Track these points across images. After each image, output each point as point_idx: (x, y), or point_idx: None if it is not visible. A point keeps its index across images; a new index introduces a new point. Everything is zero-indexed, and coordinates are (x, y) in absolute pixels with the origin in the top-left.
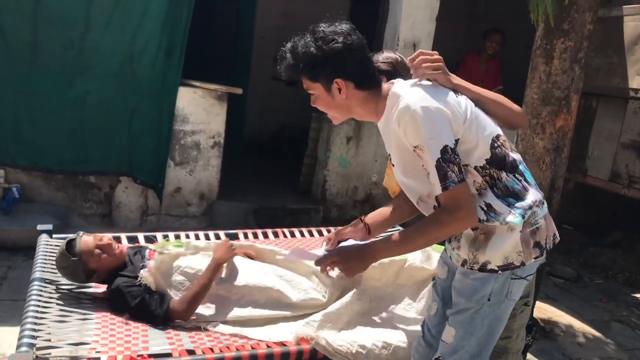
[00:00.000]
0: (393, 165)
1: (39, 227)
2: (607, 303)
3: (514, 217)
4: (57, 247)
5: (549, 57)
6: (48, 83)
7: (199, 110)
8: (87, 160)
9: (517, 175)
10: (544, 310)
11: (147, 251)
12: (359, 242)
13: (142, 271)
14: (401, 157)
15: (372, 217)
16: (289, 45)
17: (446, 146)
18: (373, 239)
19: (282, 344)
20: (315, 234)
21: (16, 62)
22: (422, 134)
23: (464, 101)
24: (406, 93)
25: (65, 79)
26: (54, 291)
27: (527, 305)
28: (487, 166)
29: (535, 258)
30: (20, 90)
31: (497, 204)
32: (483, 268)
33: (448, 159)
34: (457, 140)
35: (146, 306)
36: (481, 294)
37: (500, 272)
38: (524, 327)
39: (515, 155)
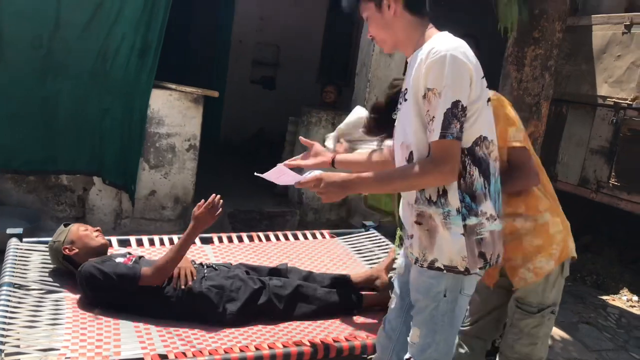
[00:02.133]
0: (400, 104)
1: (9, 230)
2: (574, 305)
3: (455, 214)
4: (27, 251)
5: (520, 64)
6: (16, 82)
7: (175, 113)
8: (56, 159)
9: (485, 182)
10: None
11: (127, 257)
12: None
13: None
14: (407, 110)
15: (342, 156)
16: None
17: (459, 101)
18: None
19: (255, 347)
20: (291, 237)
21: None
22: (443, 79)
23: (485, 82)
24: (440, 38)
25: (34, 78)
26: (23, 295)
27: (553, 314)
28: (466, 153)
29: (479, 268)
30: None
31: (453, 194)
32: (431, 265)
33: (456, 113)
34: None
35: (117, 273)
36: (436, 290)
37: (445, 271)
38: (548, 336)
39: (494, 164)
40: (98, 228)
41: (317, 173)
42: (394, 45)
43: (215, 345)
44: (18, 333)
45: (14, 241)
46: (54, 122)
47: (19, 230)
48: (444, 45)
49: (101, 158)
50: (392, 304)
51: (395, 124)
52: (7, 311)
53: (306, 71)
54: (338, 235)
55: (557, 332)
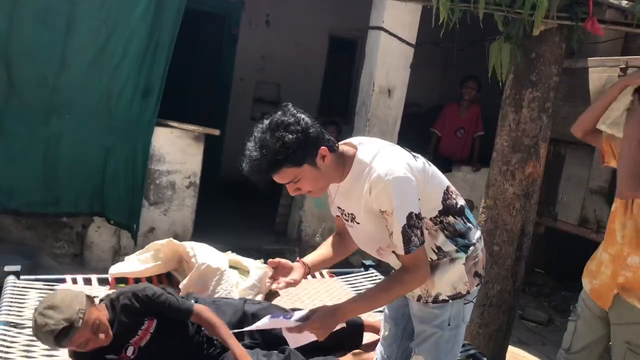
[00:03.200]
0: (347, 221)
1: (7, 268)
2: None
3: (459, 253)
4: (24, 289)
5: (518, 106)
6: (20, 121)
7: (175, 151)
8: (58, 201)
9: (463, 218)
10: (515, 354)
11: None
12: (323, 306)
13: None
14: (369, 218)
15: (312, 260)
16: (254, 154)
17: (412, 213)
18: (344, 301)
19: None
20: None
21: None
22: (392, 202)
23: (421, 163)
24: (376, 162)
25: (38, 117)
26: (17, 334)
27: None
28: (439, 215)
29: (476, 285)
30: None
31: (447, 245)
32: (436, 300)
33: (413, 224)
34: (419, 200)
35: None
36: (442, 319)
37: (450, 301)
38: None
39: (461, 201)
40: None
41: (304, 314)
42: (327, 187)
43: None
44: None
45: (11, 279)
46: (56, 162)
47: (17, 268)
48: (382, 169)
49: (103, 198)
50: (386, 332)
51: (355, 241)
52: (1, 351)
53: (306, 109)
54: (337, 274)
55: None
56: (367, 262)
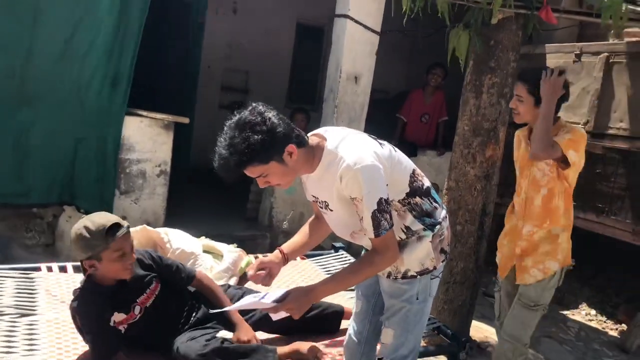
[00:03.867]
0: (322, 208)
1: None
2: None
3: (426, 232)
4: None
5: (478, 92)
6: None
7: (145, 139)
8: (29, 192)
9: (429, 198)
10: (479, 328)
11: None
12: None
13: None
14: (341, 205)
15: (289, 247)
16: (222, 152)
17: (381, 198)
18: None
19: None
20: None
21: None
22: (362, 189)
23: (387, 149)
24: (344, 152)
25: (6, 108)
26: None
27: (544, 311)
28: (406, 197)
29: (442, 261)
30: None
31: (415, 224)
32: (405, 276)
33: (382, 209)
34: (387, 185)
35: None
36: (410, 293)
37: (418, 276)
38: (534, 327)
39: (427, 183)
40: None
41: (280, 295)
42: (293, 180)
43: None
44: None
45: None
46: (26, 153)
47: None
48: (351, 158)
49: (74, 187)
50: (357, 308)
51: (330, 226)
52: None
53: (275, 97)
54: (308, 257)
55: None
56: (337, 244)
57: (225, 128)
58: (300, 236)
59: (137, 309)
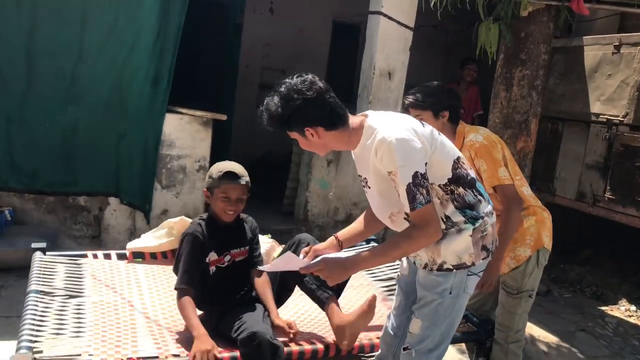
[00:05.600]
0: (364, 187)
1: (34, 245)
2: (573, 315)
3: (466, 225)
4: (51, 263)
5: (509, 84)
6: (41, 111)
7: (185, 136)
8: (76, 182)
9: (473, 190)
10: None
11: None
12: (339, 255)
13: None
14: (377, 180)
15: (343, 234)
16: (263, 107)
17: (417, 172)
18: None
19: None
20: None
21: (10, 92)
22: (396, 161)
23: (429, 130)
24: (381, 126)
25: (57, 106)
26: (49, 301)
27: (530, 297)
28: (448, 184)
29: (483, 259)
30: (13, 119)
31: (455, 215)
32: (440, 268)
33: (418, 183)
34: (426, 164)
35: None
36: (443, 287)
37: (455, 270)
38: (526, 313)
39: (472, 173)
40: (233, 211)
41: (321, 258)
42: (326, 151)
43: (224, 347)
44: (46, 339)
45: (38, 254)
46: (74, 147)
47: (43, 245)
48: (386, 132)
49: (118, 180)
50: (396, 303)
51: (372, 209)
52: (35, 316)
53: None
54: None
55: (554, 341)
56: (370, 237)
57: (279, 84)
58: (356, 224)
59: (228, 257)
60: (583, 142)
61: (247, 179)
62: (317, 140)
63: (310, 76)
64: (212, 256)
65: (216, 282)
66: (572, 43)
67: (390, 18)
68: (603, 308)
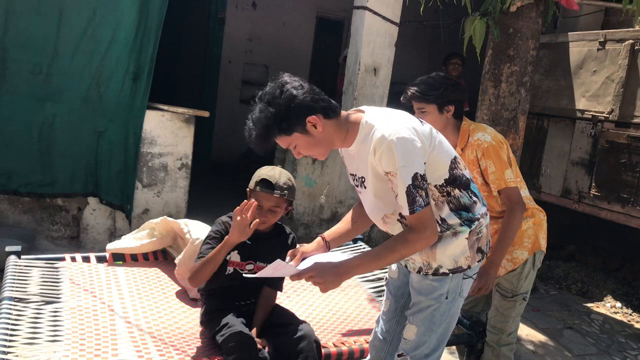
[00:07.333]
0: (358, 187)
1: (8, 248)
2: (560, 312)
3: (462, 227)
4: (26, 267)
5: (497, 81)
6: (15, 108)
7: (167, 133)
8: (54, 182)
9: (468, 192)
10: None
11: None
12: (330, 259)
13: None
14: (374, 180)
15: (330, 234)
16: (249, 125)
17: (416, 173)
18: (347, 258)
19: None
20: None
21: None
22: (396, 162)
23: (428, 128)
24: (380, 124)
25: (32, 103)
26: (23, 309)
27: (524, 300)
28: (445, 184)
29: (478, 261)
30: None
31: (451, 217)
32: (436, 272)
33: (417, 185)
34: (424, 163)
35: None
36: (440, 292)
37: (451, 274)
38: (519, 316)
39: (467, 174)
40: (264, 221)
41: (311, 263)
42: (328, 151)
43: (209, 354)
44: (18, 349)
45: (12, 258)
46: (51, 145)
47: (18, 248)
48: (386, 130)
49: (97, 179)
50: (386, 307)
51: (365, 209)
52: (8, 324)
53: None
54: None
55: (542, 339)
56: (357, 236)
57: (256, 97)
58: (343, 224)
59: (251, 267)
60: (568, 139)
61: (286, 191)
62: (319, 133)
63: (277, 77)
64: (234, 256)
65: (229, 284)
66: (557, 39)
67: (375, 13)
68: (589, 305)
